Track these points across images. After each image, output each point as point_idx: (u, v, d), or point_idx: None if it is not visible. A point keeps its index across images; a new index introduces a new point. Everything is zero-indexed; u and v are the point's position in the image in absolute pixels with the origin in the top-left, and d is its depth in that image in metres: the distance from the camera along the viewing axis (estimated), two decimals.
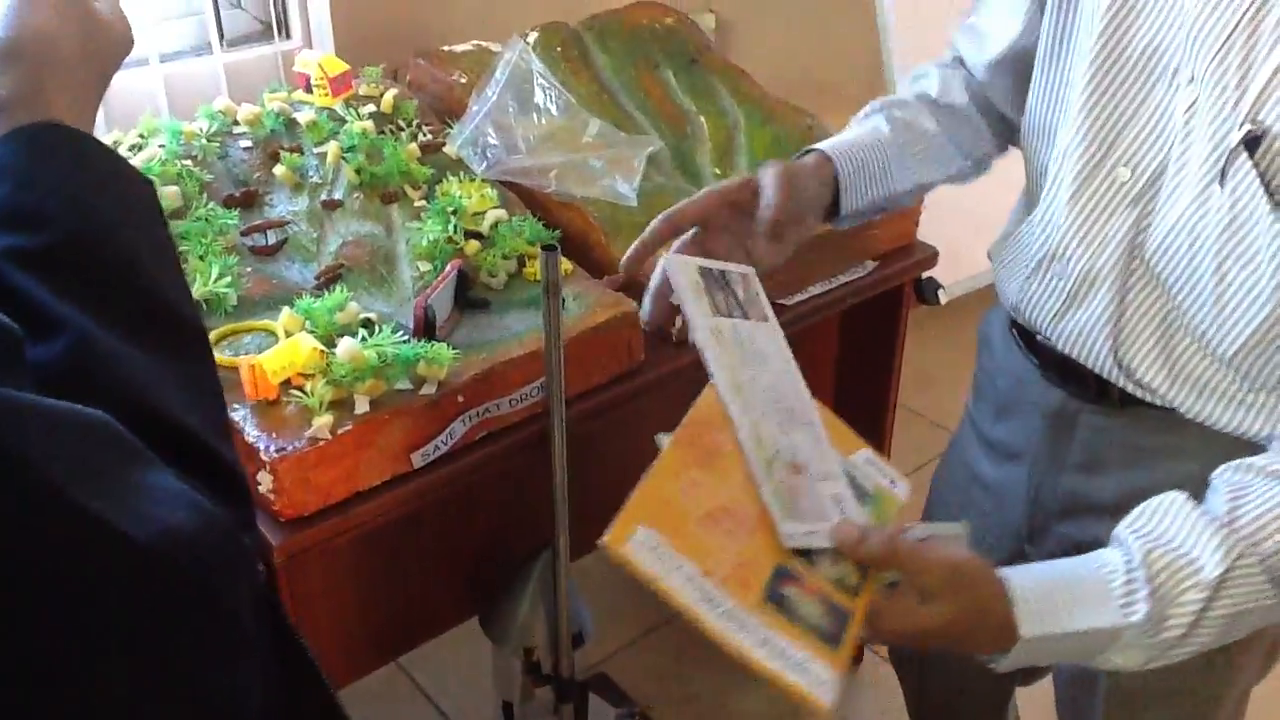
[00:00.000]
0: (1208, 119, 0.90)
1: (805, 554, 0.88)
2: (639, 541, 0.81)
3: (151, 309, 0.65)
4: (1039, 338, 1.12)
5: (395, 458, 1.17)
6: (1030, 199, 1.13)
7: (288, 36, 1.84)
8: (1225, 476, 0.90)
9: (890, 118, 1.15)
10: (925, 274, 1.71)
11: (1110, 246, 1.01)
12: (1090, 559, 0.90)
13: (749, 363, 0.96)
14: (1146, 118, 0.96)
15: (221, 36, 1.74)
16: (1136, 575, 0.87)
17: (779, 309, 1.50)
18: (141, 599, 0.49)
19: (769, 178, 1.03)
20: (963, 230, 2.17)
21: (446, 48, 1.69)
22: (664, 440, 0.89)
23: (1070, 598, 0.88)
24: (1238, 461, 0.90)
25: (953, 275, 2.41)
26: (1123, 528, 0.91)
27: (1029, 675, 1.41)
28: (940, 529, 0.97)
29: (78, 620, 0.47)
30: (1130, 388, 1.04)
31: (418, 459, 1.18)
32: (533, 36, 1.67)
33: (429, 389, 1.17)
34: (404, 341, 1.19)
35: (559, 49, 1.68)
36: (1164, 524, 0.89)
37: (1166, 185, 0.96)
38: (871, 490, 0.99)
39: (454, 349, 1.20)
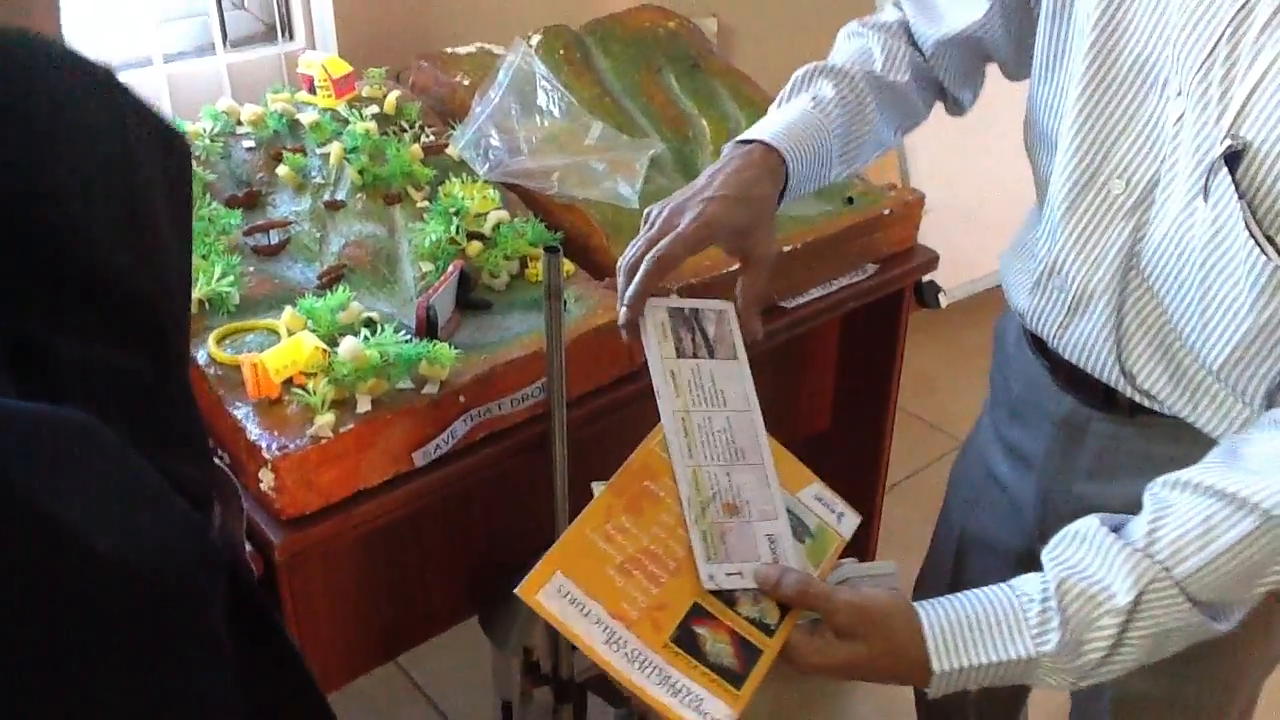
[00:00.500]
0: (1193, 132, 0.89)
1: (727, 593, 0.94)
2: (552, 588, 0.88)
3: (89, 285, 0.53)
4: (1048, 345, 1.12)
5: (396, 457, 1.17)
6: (1036, 207, 1.13)
7: (291, 38, 1.84)
8: (1154, 492, 0.91)
9: (842, 106, 1.10)
10: (926, 278, 1.71)
11: (1107, 259, 1.00)
12: (1014, 586, 0.92)
13: (704, 403, 1.01)
14: (1139, 130, 0.95)
15: (225, 37, 1.74)
16: (1050, 604, 0.89)
17: (779, 312, 1.51)
18: (110, 611, 0.46)
19: (751, 293, 1.04)
20: (963, 234, 2.18)
21: (449, 50, 1.69)
22: (598, 487, 0.96)
23: (983, 631, 0.90)
24: (1170, 476, 0.90)
25: (953, 279, 2.42)
26: (1045, 553, 0.93)
27: None
28: (868, 568, 1.03)
29: (41, 633, 0.44)
30: (1137, 396, 1.03)
31: (419, 458, 1.19)
32: (535, 39, 1.68)
33: (431, 389, 1.17)
34: (406, 341, 1.19)
35: (561, 52, 1.69)
36: (1079, 552, 0.90)
37: (1159, 198, 0.95)
38: (813, 527, 1.03)
39: (455, 349, 1.20)
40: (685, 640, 0.89)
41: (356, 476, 1.15)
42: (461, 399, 1.20)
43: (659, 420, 1.00)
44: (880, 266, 1.62)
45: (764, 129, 1.07)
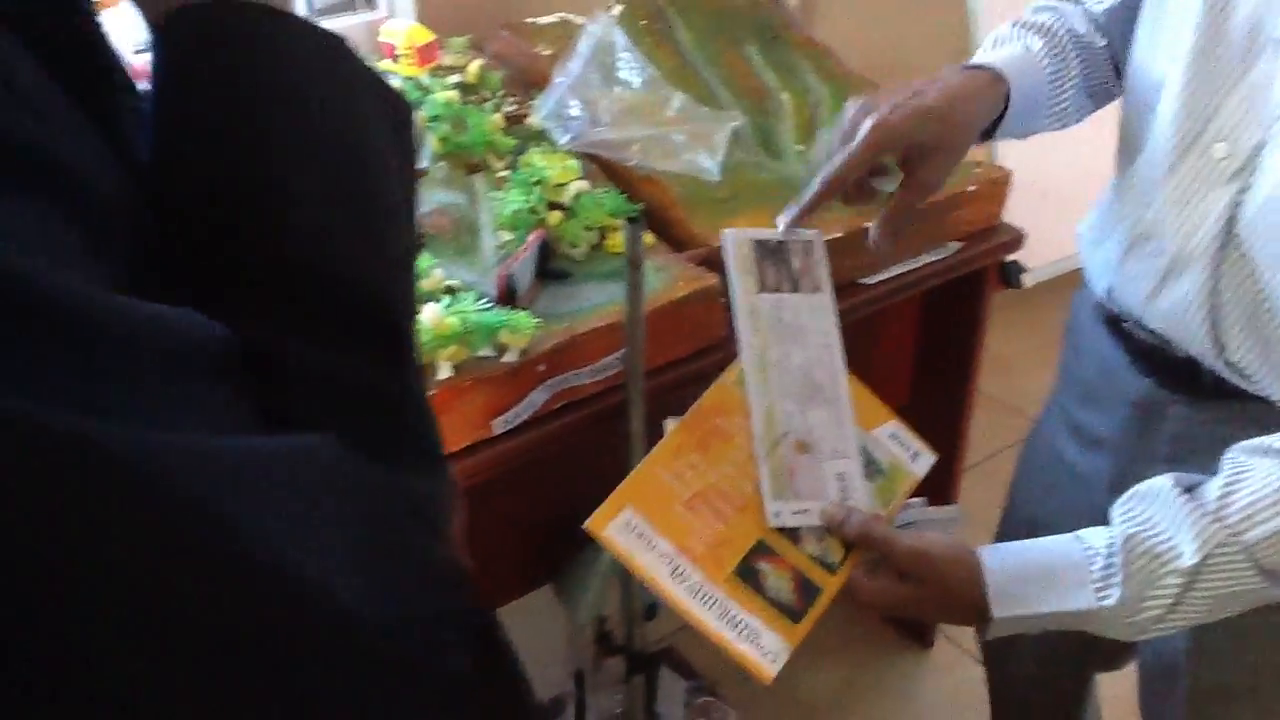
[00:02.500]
0: None
1: (792, 531, 0.95)
2: (620, 523, 0.90)
3: (321, 280, 0.45)
4: (1127, 325, 1.10)
5: (475, 424, 1.18)
6: (1123, 176, 1.10)
7: (373, 7, 1.86)
8: (1232, 456, 0.90)
9: (1051, 58, 1.11)
10: (1009, 257, 1.68)
11: (1206, 223, 0.98)
12: (1081, 538, 0.93)
13: (783, 340, 1.02)
14: (1247, 91, 0.93)
15: (310, 7, 1.76)
16: (1115, 560, 0.89)
17: (858, 289, 1.49)
18: (345, 667, 0.38)
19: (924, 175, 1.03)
20: (1045, 213, 2.13)
21: (531, 20, 1.69)
22: (671, 424, 0.98)
23: (1044, 581, 0.91)
24: (1251, 441, 0.90)
25: (1035, 259, 2.37)
26: (1115, 507, 0.93)
27: (1110, 660, 1.38)
28: (932, 513, 1.04)
29: (271, 686, 0.37)
30: (1223, 371, 1.01)
31: (498, 425, 1.19)
32: (617, 10, 1.67)
33: (510, 357, 1.18)
34: (487, 309, 1.19)
35: (643, 23, 1.68)
36: (1150, 509, 0.91)
37: (1264, 162, 0.93)
38: (885, 466, 1.04)
39: (535, 319, 1.20)
40: (747, 575, 0.92)
41: None
42: (541, 368, 1.20)
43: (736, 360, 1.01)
44: (964, 244, 1.60)
45: (988, 59, 1.07)
